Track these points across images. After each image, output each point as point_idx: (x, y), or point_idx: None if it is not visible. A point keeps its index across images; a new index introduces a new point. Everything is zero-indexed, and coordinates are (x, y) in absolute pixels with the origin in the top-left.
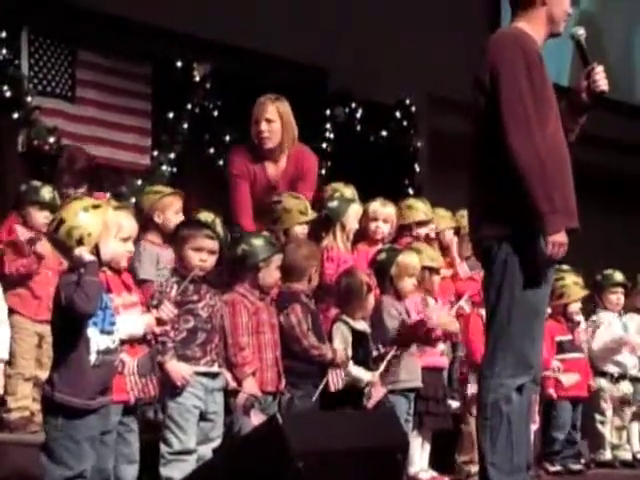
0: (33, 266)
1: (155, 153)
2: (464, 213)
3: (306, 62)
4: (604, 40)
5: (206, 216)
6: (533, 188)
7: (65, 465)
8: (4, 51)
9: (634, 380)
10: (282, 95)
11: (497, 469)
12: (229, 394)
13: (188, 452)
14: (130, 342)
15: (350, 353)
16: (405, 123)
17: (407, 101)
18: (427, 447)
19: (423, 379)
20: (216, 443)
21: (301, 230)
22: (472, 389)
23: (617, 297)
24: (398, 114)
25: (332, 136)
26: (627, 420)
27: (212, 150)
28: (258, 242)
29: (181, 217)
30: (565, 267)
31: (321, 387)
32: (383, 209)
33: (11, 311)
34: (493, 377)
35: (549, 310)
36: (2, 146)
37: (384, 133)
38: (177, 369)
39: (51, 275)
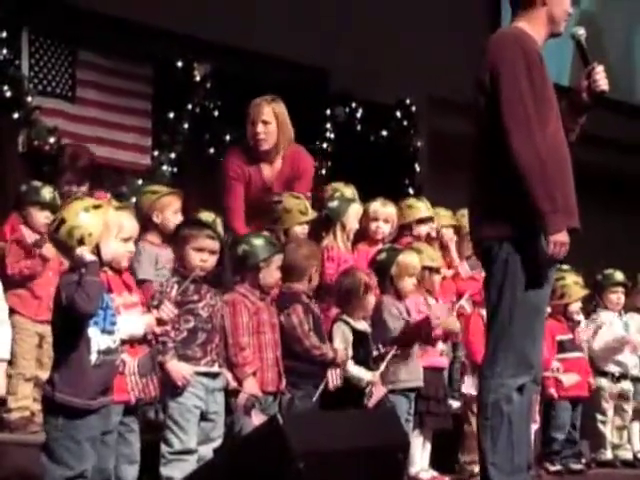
0: (38, 268)
1: (156, 153)
2: (464, 212)
3: (306, 62)
4: (604, 40)
5: (207, 216)
6: (534, 188)
7: (66, 465)
8: (4, 51)
9: (635, 380)
10: (282, 95)
11: (498, 469)
12: (230, 394)
13: (189, 452)
14: (131, 342)
15: (351, 353)
16: (405, 123)
17: (407, 101)
18: (428, 447)
19: (424, 379)
20: (217, 443)
21: (301, 230)
22: (467, 388)
23: (617, 297)
24: (398, 114)
25: (332, 136)
26: (628, 420)
27: (212, 150)
28: (258, 242)
29: (180, 217)
30: (565, 267)
31: (321, 387)
32: (384, 209)
33: (11, 311)
34: (494, 377)
35: (549, 309)
36: (2, 146)
37: (384, 133)
38: (178, 369)
39: (52, 275)
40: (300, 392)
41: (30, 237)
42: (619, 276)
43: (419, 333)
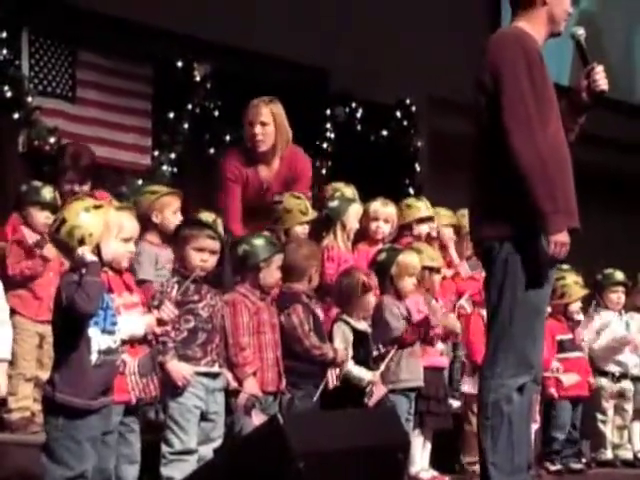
0: (38, 269)
1: (156, 153)
2: (464, 212)
3: (306, 62)
4: (604, 39)
5: (207, 216)
6: (535, 188)
7: (66, 465)
8: (5, 51)
9: (635, 379)
10: (282, 95)
11: (498, 469)
12: (230, 394)
13: (189, 452)
14: (131, 342)
15: (351, 353)
16: (405, 123)
17: (407, 101)
18: (428, 446)
19: (424, 379)
20: (217, 443)
21: (302, 230)
22: (466, 388)
23: (618, 296)
24: (398, 114)
25: (332, 136)
26: (628, 419)
27: (212, 150)
28: (259, 242)
29: (179, 217)
30: (565, 266)
31: (321, 387)
32: (384, 209)
33: (12, 312)
34: (494, 377)
35: (549, 309)
36: (3, 146)
37: (384, 133)
38: (178, 369)
39: (52, 276)
40: (300, 392)
41: (31, 237)
42: (619, 276)
43: (420, 332)
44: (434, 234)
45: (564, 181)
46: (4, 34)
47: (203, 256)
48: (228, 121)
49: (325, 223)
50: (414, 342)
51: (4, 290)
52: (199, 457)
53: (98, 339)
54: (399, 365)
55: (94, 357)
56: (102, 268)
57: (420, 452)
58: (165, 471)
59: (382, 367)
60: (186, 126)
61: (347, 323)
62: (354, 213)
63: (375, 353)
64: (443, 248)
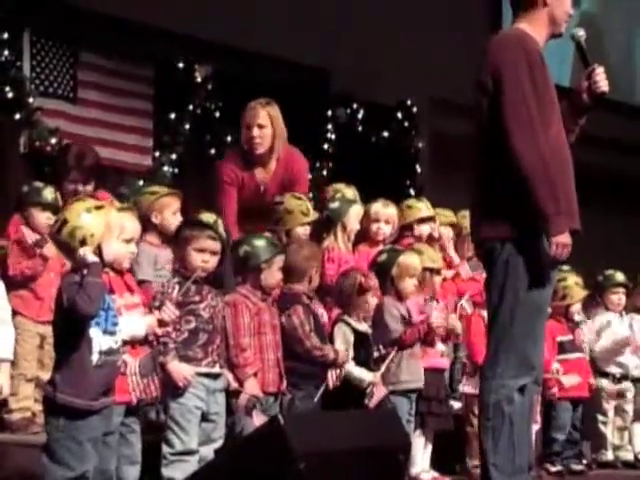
0: (39, 268)
1: (157, 154)
2: (465, 214)
3: (307, 63)
4: (605, 41)
5: (208, 217)
6: (537, 189)
7: (67, 466)
8: (6, 52)
9: (635, 381)
10: (284, 96)
11: (499, 470)
12: (231, 395)
13: (190, 453)
14: (132, 343)
15: (351, 353)
16: (406, 124)
17: (408, 102)
18: (429, 448)
19: (425, 380)
20: (218, 444)
21: (303, 231)
22: (466, 388)
23: (618, 297)
24: (399, 115)
25: (333, 137)
26: (629, 421)
27: (213, 151)
28: (260, 243)
29: (179, 217)
30: (566, 268)
31: (322, 388)
32: (385, 210)
33: (13, 312)
34: (495, 378)
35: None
36: (4, 147)
37: (385, 134)
38: (179, 370)
39: (53, 276)
40: (301, 393)
41: (31, 237)
42: (620, 277)
43: (420, 333)
44: (435, 235)
45: (565, 182)
46: (6, 35)
47: (204, 257)
48: (229, 122)
49: (326, 224)
50: (414, 343)
51: (6, 291)
52: (200, 458)
53: (99, 340)
54: (399, 366)
55: (95, 358)
56: (103, 269)
57: (421, 453)
58: (166, 472)
59: (383, 368)
60: (187, 127)
61: (348, 324)
62: (355, 214)
63: (376, 354)
64: (443, 249)
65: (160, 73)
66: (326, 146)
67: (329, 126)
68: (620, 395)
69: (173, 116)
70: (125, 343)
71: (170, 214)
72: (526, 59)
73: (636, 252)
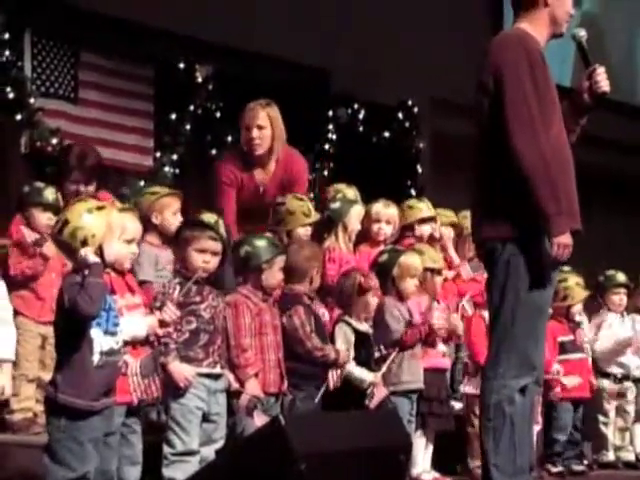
0: (39, 268)
1: (157, 154)
2: (466, 214)
3: (308, 63)
4: (606, 41)
5: (209, 217)
6: (538, 189)
7: (68, 467)
8: (7, 53)
9: (637, 381)
10: (285, 96)
11: (500, 470)
12: (232, 395)
13: (191, 453)
14: (133, 344)
15: (352, 354)
16: (407, 124)
17: (409, 102)
18: (430, 448)
19: (426, 380)
20: (219, 444)
21: (304, 232)
22: (467, 389)
23: (620, 298)
24: (400, 115)
25: (334, 137)
26: (630, 421)
27: (214, 151)
28: (261, 243)
29: (179, 218)
30: (566, 268)
31: (323, 389)
32: (386, 210)
33: (15, 312)
34: (496, 378)
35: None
36: (5, 147)
37: (386, 134)
38: (180, 370)
39: (55, 277)
40: (302, 393)
41: (30, 237)
42: (621, 277)
43: (420, 334)
44: (437, 235)
45: (567, 183)
46: (7, 35)
47: (205, 257)
48: (230, 122)
49: (327, 224)
50: (415, 344)
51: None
52: (201, 458)
53: (100, 340)
54: (400, 367)
55: (96, 358)
56: (104, 269)
57: (422, 453)
58: (167, 472)
59: (384, 369)
60: (188, 127)
61: (348, 324)
62: (356, 214)
63: (377, 355)
64: (444, 249)
65: (161, 73)
66: (327, 146)
67: (330, 126)
68: (621, 395)
69: (174, 116)
70: (126, 344)
71: (170, 214)
72: (527, 59)
73: (637, 252)
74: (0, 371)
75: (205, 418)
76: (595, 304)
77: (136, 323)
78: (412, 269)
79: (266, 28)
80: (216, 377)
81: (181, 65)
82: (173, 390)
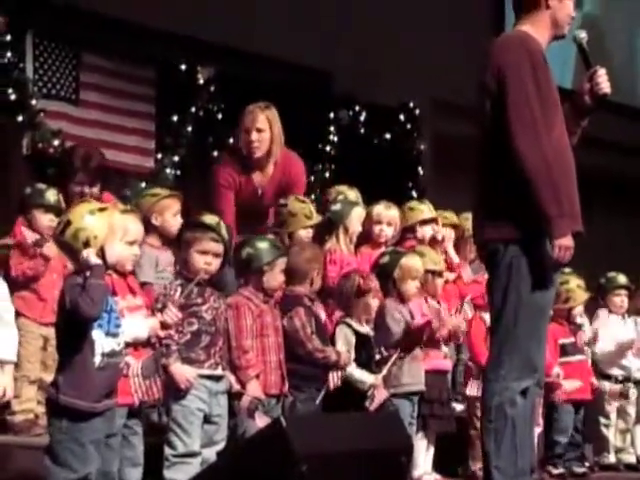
0: (40, 268)
1: (159, 156)
2: (468, 216)
3: (309, 64)
4: (607, 43)
5: (211, 219)
6: (540, 191)
7: (69, 468)
8: (9, 54)
9: (638, 383)
10: (286, 98)
11: (501, 472)
12: (233, 397)
13: (192, 455)
14: (134, 345)
15: (353, 355)
16: (409, 126)
17: (411, 104)
18: (431, 450)
19: (427, 382)
20: (220, 446)
21: (306, 234)
22: (471, 391)
23: (621, 299)
24: (402, 117)
25: (336, 139)
26: (631, 423)
27: (216, 153)
28: (263, 245)
29: (179, 219)
30: (568, 270)
31: (324, 391)
32: (387, 212)
33: (16, 314)
34: (498, 380)
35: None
36: (7, 149)
37: (388, 136)
38: (181, 372)
39: (56, 278)
40: (303, 395)
41: (31, 238)
42: (622, 279)
43: (421, 336)
44: (439, 237)
45: (568, 185)
46: (8, 37)
47: (207, 259)
48: (231, 124)
49: (328, 226)
50: (415, 346)
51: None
52: (202, 460)
53: (102, 342)
54: (401, 369)
55: (98, 360)
56: (106, 271)
57: (423, 455)
58: (168, 474)
59: (384, 371)
60: (189, 129)
61: (349, 326)
62: (356, 216)
63: (377, 356)
64: (446, 251)
65: (162, 75)
66: (328, 148)
67: (331, 128)
68: (623, 395)
69: (175, 118)
70: (127, 345)
71: (170, 216)
72: (529, 61)
73: (638, 254)
74: (2, 372)
75: (206, 419)
76: (596, 306)
77: (137, 325)
78: (413, 271)
79: (270, 30)
80: (217, 379)
81: (182, 67)
82: (174, 391)
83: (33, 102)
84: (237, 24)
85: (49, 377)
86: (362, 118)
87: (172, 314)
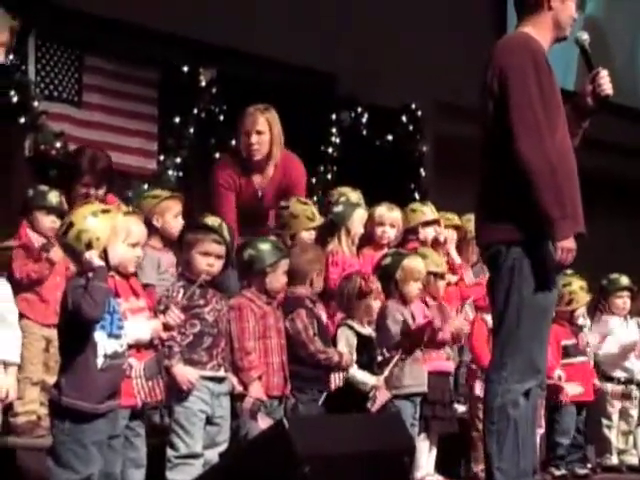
0: (45, 272)
1: (161, 158)
2: (470, 217)
3: (312, 66)
4: (609, 44)
5: (213, 220)
6: (543, 194)
7: (72, 469)
8: (11, 56)
9: None
10: (288, 100)
11: (504, 474)
12: (235, 398)
13: (194, 456)
14: (137, 347)
15: (355, 357)
16: (411, 128)
17: (413, 106)
18: (434, 451)
19: (430, 383)
20: (222, 447)
21: (308, 236)
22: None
23: (623, 301)
24: (404, 119)
25: (338, 140)
26: (633, 425)
27: (218, 155)
28: (265, 247)
29: (180, 221)
30: (570, 272)
31: (326, 392)
32: (389, 214)
33: (19, 315)
34: (500, 382)
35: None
36: (9, 151)
37: (390, 138)
38: (183, 373)
39: (59, 279)
40: (305, 396)
41: (37, 241)
42: (625, 281)
43: (422, 337)
44: (441, 239)
45: (571, 187)
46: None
47: (209, 260)
48: (234, 126)
49: (330, 228)
50: (416, 348)
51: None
52: (205, 461)
53: (104, 343)
54: (402, 370)
55: (100, 361)
56: (109, 272)
57: (426, 457)
58: (171, 475)
59: (386, 372)
60: (192, 131)
61: (351, 327)
62: (359, 218)
63: (379, 358)
64: (448, 253)
65: (165, 76)
66: (330, 150)
67: (333, 129)
68: (625, 397)
69: (178, 120)
70: (130, 347)
71: (171, 217)
72: (532, 63)
73: None
74: (5, 374)
75: (209, 421)
76: (599, 307)
77: (140, 326)
78: (415, 272)
79: (272, 31)
80: (220, 380)
81: (185, 68)
82: (177, 393)
83: (35, 104)
84: (242, 27)
85: (51, 379)
86: (364, 120)
87: (174, 316)
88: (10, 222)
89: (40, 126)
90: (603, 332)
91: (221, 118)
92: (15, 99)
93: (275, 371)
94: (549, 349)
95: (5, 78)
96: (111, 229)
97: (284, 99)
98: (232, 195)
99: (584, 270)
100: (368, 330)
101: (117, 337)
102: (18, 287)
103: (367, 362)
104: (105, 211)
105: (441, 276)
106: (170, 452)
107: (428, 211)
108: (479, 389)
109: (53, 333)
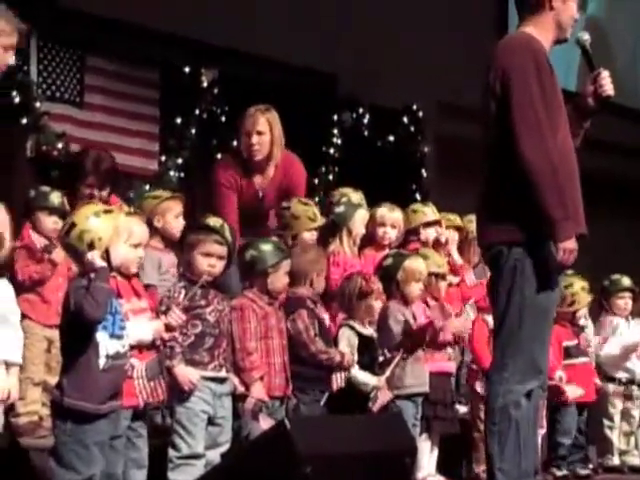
0: (47, 273)
1: (163, 158)
2: (472, 218)
3: (313, 67)
4: (611, 45)
5: (215, 221)
6: (545, 194)
7: (74, 470)
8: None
9: None
10: (290, 100)
11: (505, 474)
12: (237, 399)
13: (196, 457)
14: (139, 347)
15: (356, 357)
16: (412, 128)
17: (414, 106)
18: (435, 452)
19: (431, 384)
20: (224, 448)
21: (310, 236)
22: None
23: (625, 302)
24: (405, 119)
25: (339, 141)
26: (635, 425)
27: (220, 155)
28: (267, 248)
29: (181, 221)
30: (571, 273)
31: (327, 392)
32: (391, 214)
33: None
34: (502, 383)
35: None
36: (11, 151)
37: (391, 138)
38: (185, 373)
39: (61, 280)
40: (307, 397)
41: (39, 242)
42: (626, 281)
43: (423, 337)
44: (442, 240)
45: (572, 187)
46: None
47: (210, 261)
48: (235, 126)
49: (331, 229)
50: (417, 348)
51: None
52: (206, 461)
53: (106, 344)
54: (404, 370)
55: (102, 362)
56: (111, 273)
57: (427, 457)
58: (172, 475)
59: (387, 372)
60: (193, 131)
61: (352, 328)
62: (360, 218)
63: (381, 358)
64: (450, 254)
65: (166, 77)
66: (332, 150)
67: (335, 130)
68: (627, 397)
69: (179, 120)
70: (132, 347)
71: (172, 218)
72: (534, 63)
73: None
74: (7, 374)
75: (210, 421)
76: (600, 308)
77: (142, 327)
78: (417, 273)
79: (274, 32)
80: (221, 380)
81: (186, 69)
82: (178, 393)
83: (37, 105)
84: (244, 28)
85: (53, 379)
86: (365, 120)
87: (176, 316)
88: (12, 222)
89: (42, 127)
90: (604, 333)
91: (222, 119)
92: (17, 100)
93: (277, 372)
94: (550, 350)
95: (7, 79)
96: (113, 230)
97: (285, 99)
98: (234, 195)
99: (585, 271)
100: (369, 330)
101: (119, 338)
102: (20, 288)
103: (368, 362)
104: (107, 211)
105: (442, 277)
106: (172, 452)
107: (429, 212)
108: (480, 387)
109: (55, 334)
